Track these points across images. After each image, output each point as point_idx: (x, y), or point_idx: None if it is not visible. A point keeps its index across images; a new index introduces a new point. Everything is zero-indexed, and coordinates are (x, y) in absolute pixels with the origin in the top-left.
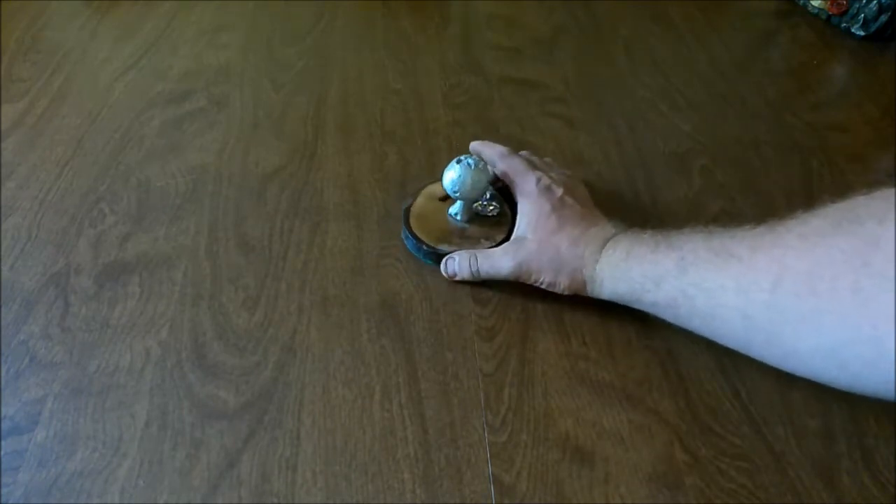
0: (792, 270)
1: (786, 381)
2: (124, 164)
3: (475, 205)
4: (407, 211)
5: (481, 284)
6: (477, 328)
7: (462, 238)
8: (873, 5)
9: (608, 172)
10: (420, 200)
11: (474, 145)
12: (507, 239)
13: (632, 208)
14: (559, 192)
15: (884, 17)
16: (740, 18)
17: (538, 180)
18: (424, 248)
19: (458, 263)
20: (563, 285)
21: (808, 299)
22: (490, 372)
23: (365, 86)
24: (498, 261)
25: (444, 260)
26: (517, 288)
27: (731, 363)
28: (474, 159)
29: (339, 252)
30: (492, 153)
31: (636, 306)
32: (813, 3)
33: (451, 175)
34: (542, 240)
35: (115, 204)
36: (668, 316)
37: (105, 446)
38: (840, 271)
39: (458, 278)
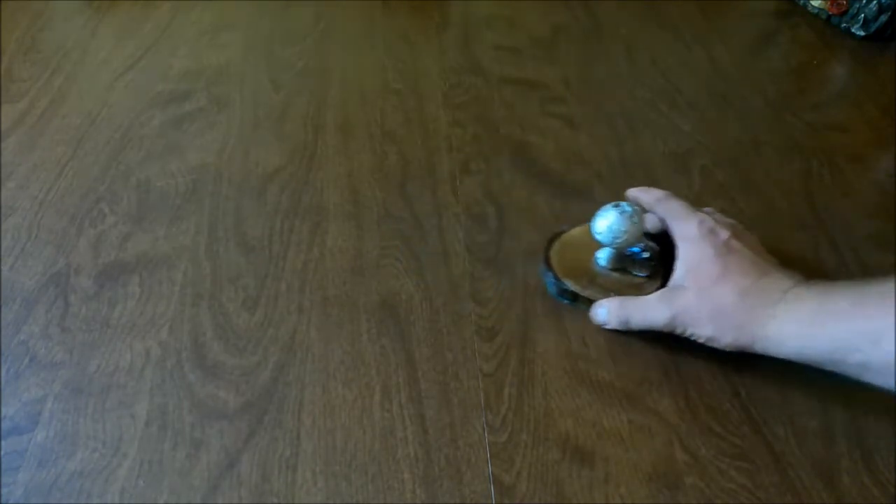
0: None
1: (786, 381)
2: (124, 164)
3: (625, 251)
4: (549, 245)
5: (481, 284)
6: (477, 328)
7: (606, 284)
8: (873, 5)
9: (608, 172)
10: (564, 237)
11: (631, 192)
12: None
13: None
14: (724, 235)
15: (884, 17)
16: (740, 18)
17: (700, 223)
18: (562, 286)
19: (607, 311)
20: (725, 341)
21: None
22: (490, 372)
23: (365, 86)
24: (651, 310)
25: (593, 306)
26: (517, 288)
27: (731, 363)
28: (631, 206)
29: (339, 252)
30: (649, 198)
31: (829, 367)
32: (813, 3)
33: (605, 222)
34: (702, 288)
35: (115, 204)
36: (880, 381)
37: (105, 446)
38: None
39: (607, 327)
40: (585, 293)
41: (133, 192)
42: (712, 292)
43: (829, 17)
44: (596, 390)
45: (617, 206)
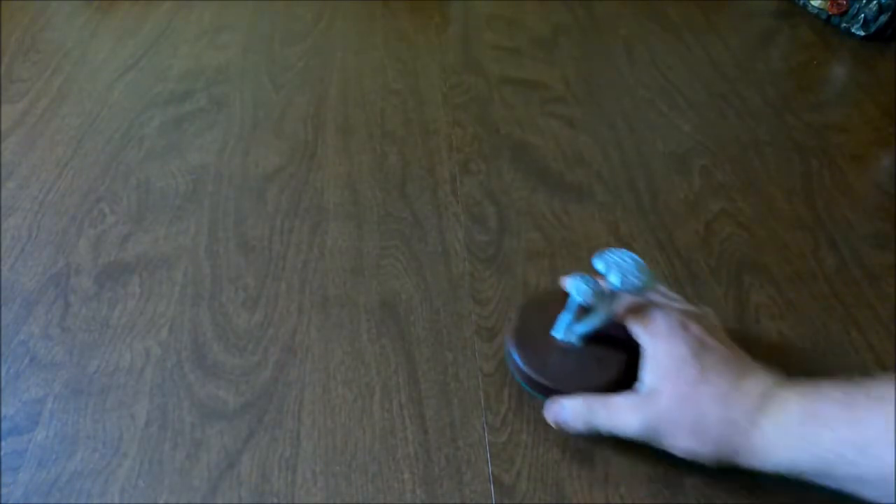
0: None
1: None
2: (124, 164)
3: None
4: (517, 328)
5: (481, 284)
6: (477, 328)
7: (572, 369)
8: (873, 5)
9: (608, 172)
10: (527, 313)
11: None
12: (618, 380)
13: (632, 208)
14: (695, 329)
15: (884, 17)
16: (740, 18)
17: (667, 316)
18: (535, 380)
19: (569, 412)
20: (706, 453)
21: None
22: (490, 372)
23: (365, 86)
24: (622, 417)
25: (548, 404)
26: (517, 287)
27: None
28: (630, 254)
29: (339, 252)
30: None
31: (823, 482)
32: (813, 3)
33: (608, 277)
34: (682, 395)
35: (115, 204)
36: (877, 495)
37: (105, 446)
38: None
39: (568, 429)
40: (555, 386)
41: (133, 192)
42: (691, 399)
43: (829, 17)
44: None
45: (614, 256)
